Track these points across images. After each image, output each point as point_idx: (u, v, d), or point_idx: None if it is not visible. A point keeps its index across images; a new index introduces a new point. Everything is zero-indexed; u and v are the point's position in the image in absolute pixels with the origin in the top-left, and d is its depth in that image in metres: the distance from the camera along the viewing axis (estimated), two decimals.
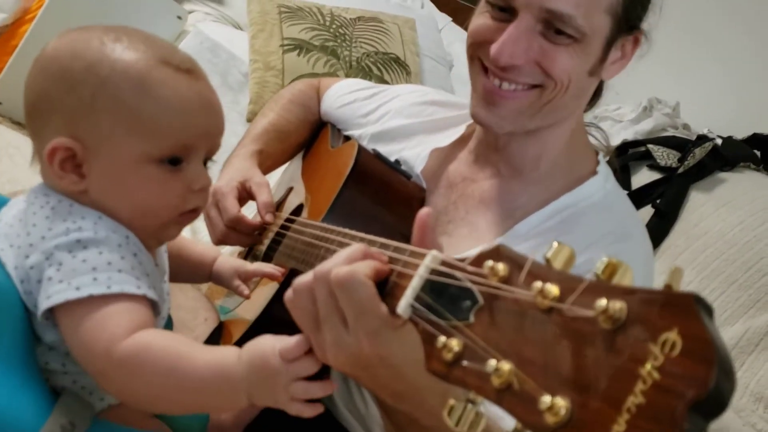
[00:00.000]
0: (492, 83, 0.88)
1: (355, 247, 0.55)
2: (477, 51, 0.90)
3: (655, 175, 2.16)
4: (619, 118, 2.48)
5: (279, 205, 1.24)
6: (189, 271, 0.93)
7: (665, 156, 2.20)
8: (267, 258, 1.04)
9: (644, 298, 0.34)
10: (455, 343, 0.42)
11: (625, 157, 2.25)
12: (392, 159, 1.08)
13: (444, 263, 0.48)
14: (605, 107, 2.53)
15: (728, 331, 1.87)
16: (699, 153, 2.11)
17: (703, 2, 2.65)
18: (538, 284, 0.38)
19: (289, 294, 0.56)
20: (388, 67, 2.40)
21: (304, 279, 0.56)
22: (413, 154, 1.08)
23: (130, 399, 0.64)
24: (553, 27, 0.83)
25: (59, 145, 0.66)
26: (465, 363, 0.40)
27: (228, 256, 0.98)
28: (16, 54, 2.16)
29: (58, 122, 0.67)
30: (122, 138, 0.67)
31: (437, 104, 1.15)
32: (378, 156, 1.05)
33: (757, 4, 2.51)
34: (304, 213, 1.08)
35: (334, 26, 2.41)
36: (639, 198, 2.13)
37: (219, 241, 1.08)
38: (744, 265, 1.93)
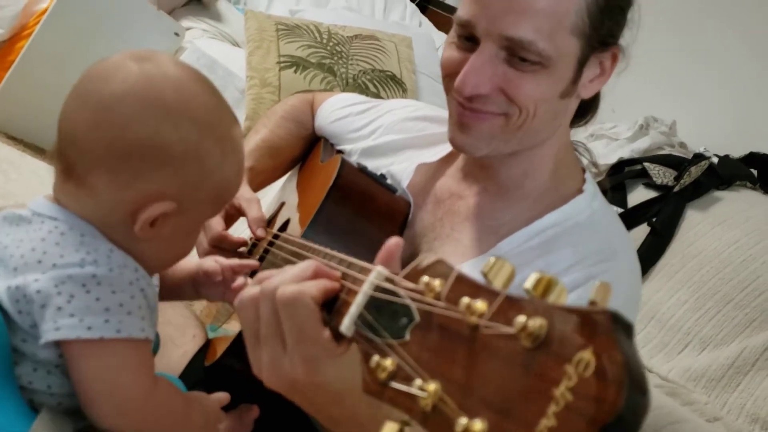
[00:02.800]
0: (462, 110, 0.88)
1: (306, 265, 0.54)
2: (448, 83, 0.90)
3: (651, 194, 2.15)
4: (615, 136, 2.47)
5: (271, 221, 1.23)
6: (176, 286, 0.93)
7: (661, 174, 2.18)
8: (254, 275, 1.04)
9: (565, 315, 0.33)
10: (389, 363, 0.41)
11: (621, 175, 2.24)
12: (379, 173, 1.07)
13: (388, 279, 0.47)
14: (601, 125, 2.52)
15: (724, 351, 1.84)
16: (695, 171, 2.10)
17: (701, 21, 2.65)
18: (465, 300, 0.37)
19: (236, 302, 0.55)
20: (384, 84, 2.41)
21: (250, 291, 0.55)
22: (401, 169, 1.07)
23: None
24: (517, 54, 0.81)
25: (168, 210, 0.67)
26: (395, 383, 0.39)
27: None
28: (12, 70, 2.18)
29: (165, 179, 0.66)
30: (208, 206, 0.72)
31: (428, 120, 1.14)
32: (363, 170, 1.04)
33: (757, 24, 2.50)
34: (290, 228, 1.08)
35: (331, 44, 2.42)
36: (635, 216, 2.12)
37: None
38: (740, 285, 1.91)
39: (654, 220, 2.06)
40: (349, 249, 0.99)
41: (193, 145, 0.67)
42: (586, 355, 0.30)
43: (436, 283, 0.41)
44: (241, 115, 2.25)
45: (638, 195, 2.17)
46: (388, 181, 1.05)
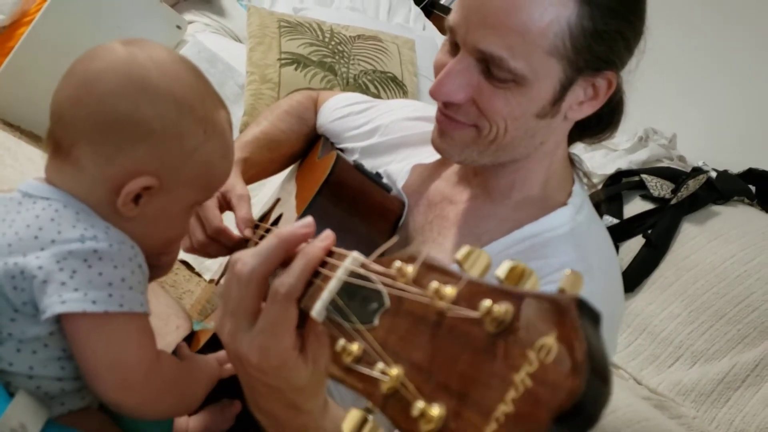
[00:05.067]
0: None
1: (309, 260, 0.53)
2: None
3: (647, 205, 2.14)
4: (614, 147, 2.46)
5: (266, 216, 1.22)
6: None
7: (659, 186, 2.17)
8: None
9: (532, 301, 0.32)
10: (355, 347, 0.40)
11: (619, 186, 2.23)
12: (375, 172, 1.06)
13: (363, 265, 0.46)
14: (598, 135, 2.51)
15: (715, 366, 1.83)
16: (693, 185, 2.09)
17: (707, 34, 2.65)
18: (434, 285, 0.36)
19: (230, 260, 0.55)
20: (385, 85, 2.40)
21: (246, 266, 0.55)
22: (397, 168, 1.07)
23: (146, 409, 0.69)
24: (491, 68, 0.79)
25: (149, 184, 0.67)
26: (360, 367, 0.38)
27: None
28: (12, 56, 2.17)
29: (145, 155, 0.67)
30: (193, 188, 0.71)
31: (428, 120, 1.13)
32: (358, 167, 1.03)
33: (760, 39, 2.50)
34: (281, 222, 1.07)
35: (333, 43, 2.41)
36: (630, 227, 2.11)
37: (192, 250, 1.06)
38: (734, 300, 1.90)
39: (649, 232, 2.05)
40: (338, 245, 0.98)
41: (172, 123, 0.67)
42: (549, 341, 0.29)
43: (409, 269, 0.40)
44: (239, 110, 2.24)
45: (635, 206, 2.17)
46: (384, 180, 1.04)
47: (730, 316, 1.90)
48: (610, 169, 2.33)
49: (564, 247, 0.86)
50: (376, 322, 0.40)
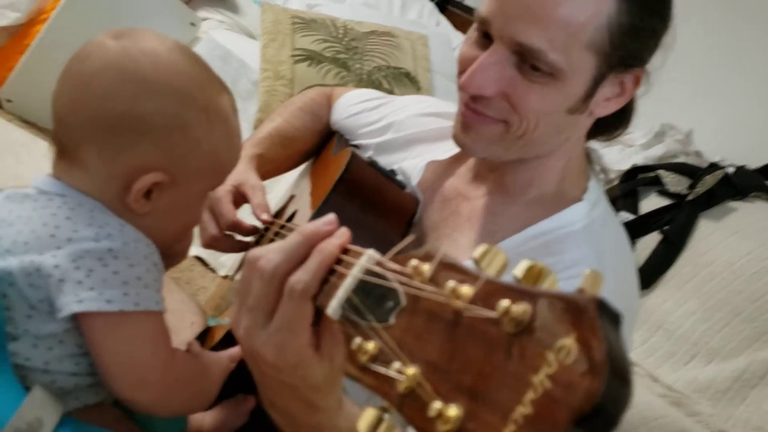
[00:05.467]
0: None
1: (325, 257, 0.53)
2: (460, 78, 0.88)
3: (664, 201, 2.12)
4: (629, 143, 2.44)
5: (280, 212, 1.23)
6: None
7: (675, 182, 2.15)
8: None
9: (551, 301, 0.31)
10: (371, 346, 0.40)
11: (634, 182, 2.22)
12: (390, 169, 1.06)
13: (379, 263, 0.45)
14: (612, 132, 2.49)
15: (731, 363, 1.81)
16: (710, 180, 2.06)
17: (721, 30, 2.62)
18: (451, 284, 0.36)
19: (247, 257, 0.55)
20: (398, 81, 2.40)
21: (267, 261, 0.54)
22: (412, 165, 1.06)
23: (161, 406, 0.69)
24: (527, 61, 0.78)
25: (158, 180, 0.67)
26: (376, 366, 0.38)
27: None
28: (28, 53, 2.19)
29: (151, 150, 0.67)
30: (204, 177, 0.71)
31: (442, 116, 1.13)
32: (372, 164, 1.03)
33: None
34: (296, 219, 1.07)
35: (346, 39, 2.41)
36: (646, 224, 2.09)
37: (209, 245, 1.07)
38: (750, 297, 1.88)
39: (666, 228, 2.03)
40: (353, 243, 0.98)
41: (173, 115, 0.66)
42: (568, 342, 0.29)
43: (425, 267, 0.40)
44: (253, 106, 2.25)
45: (651, 202, 2.15)
46: (399, 177, 1.04)
47: (747, 313, 1.88)
48: (626, 165, 2.31)
49: (578, 243, 0.85)
50: (393, 320, 0.40)
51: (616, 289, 0.85)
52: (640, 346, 1.89)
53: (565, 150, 0.90)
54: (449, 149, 1.03)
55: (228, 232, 1.04)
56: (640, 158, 2.35)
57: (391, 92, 2.34)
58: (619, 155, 2.43)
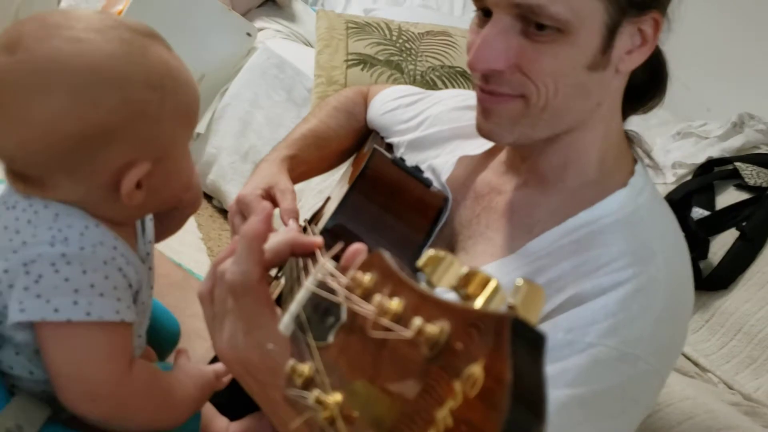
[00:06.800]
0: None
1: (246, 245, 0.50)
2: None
3: (742, 195, 1.97)
4: (704, 135, 2.29)
5: (316, 215, 1.20)
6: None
7: (755, 175, 2.00)
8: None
9: (469, 318, 0.26)
10: (306, 369, 0.35)
11: (710, 176, 2.08)
12: (424, 166, 1.01)
13: (330, 274, 0.41)
14: (689, 123, 2.35)
15: None
16: None
17: None
18: (377, 298, 0.31)
19: (197, 294, 0.52)
20: (453, 80, 2.34)
21: (206, 282, 0.52)
22: (443, 161, 1.01)
23: (116, 421, 0.66)
24: (532, 22, 0.73)
25: (142, 170, 0.64)
26: (303, 392, 0.34)
27: None
28: None
29: (120, 149, 0.63)
30: (180, 136, 0.68)
31: None
32: (395, 161, 0.99)
33: None
34: (319, 223, 1.04)
35: (400, 41, 2.37)
36: (723, 220, 1.95)
37: None
38: None
39: (744, 224, 1.89)
40: (372, 244, 0.94)
41: (123, 109, 0.62)
42: (477, 370, 0.24)
43: (366, 278, 0.35)
44: (307, 113, 2.24)
45: (728, 197, 2.00)
46: (425, 174, 0.99)
47: None
48: (701, 158, 2.17)
49: (623, 233, 0.79)
50: (331, 339, 0.36)
51: (669, 278, 0.78)
52: (717, 351, 1.75)
53: (600, 121, 0.83)
54: (482, 144, 0.98)
55: None
56: (716, 150, 2.20)
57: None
58: (693, 148, 2.29)
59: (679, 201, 1.98)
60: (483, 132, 0.85)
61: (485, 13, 0.78)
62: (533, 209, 0.87)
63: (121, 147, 0.63)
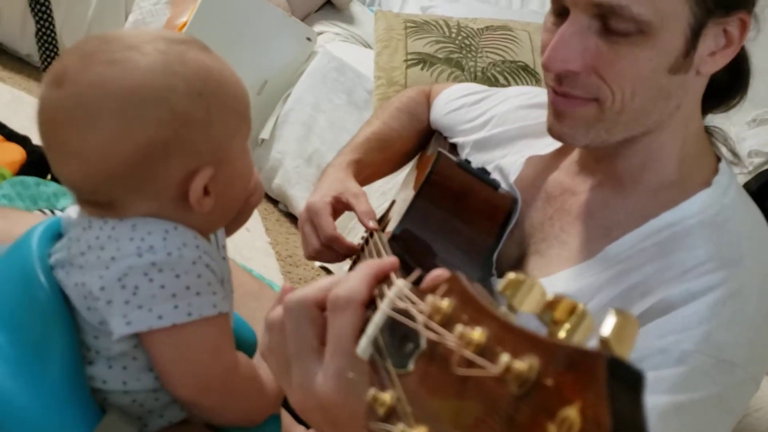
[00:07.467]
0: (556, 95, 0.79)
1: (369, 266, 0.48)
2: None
3: None
4: None
5: (382, 219, 1.20)
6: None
7: None
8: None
9: (561, 354, 0.25)
10: (388, 397, 0.35)
11: None
12: (491, 167, 1.00)
13: (407, 297, 0.40)
14: (765, 109, 2.24)
15: None
16: None
17: None
18: (459, 328, 0.30)
19: (265, 326, 0.51)
20: (515, 75, 2.30)
21: (275, 313, 0.50)
22: (510, 162, 1.00)
23: (225, 414, 0.69)
24: (611, 23, 0.71)
25: (207, 176, 0.65)
26: (387, 425, 0.33)
27: None
28: None
29: (181, 160, 0.64)
30: (235, 135, 0.68)
31: (545, 107, 1.06)
32: (461, 164, 0.98)
33: None
34: (388, 229, 1.04)
35: (460, 37, 2.35)
36: None
37: (311, 257, 1.07)
38: None
39: None
40: (441, 250, 0.94)
41: (172, 120, 0.62)
42: (572, 413, 0.23)
43: (445, 303, 0.34)
44: (368, 115, 2.24)
45: None
46: (492, 176, 0.97)
47: None
48: None
49: (710, 234, 0.76)
50: (411, 367, 0.35)
51: (760, 284, 0.74)
52: None
53: (679, 122, 0.80)
54: (551, 143, 0.96)
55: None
56: None
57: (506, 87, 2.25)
58: None
59: (757, 191, 1.90)
60: (555, 134, 0.83)
61: (562, 12, 0.76)
62: (610, 211, 0.84)
63: (180, 158, 0.64)
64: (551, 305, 0.29)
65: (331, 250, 1.03)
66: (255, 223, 2.20)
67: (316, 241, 1.03)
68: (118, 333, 0.63)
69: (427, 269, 0.91)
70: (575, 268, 0.82)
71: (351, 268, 1.16)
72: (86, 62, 0.63)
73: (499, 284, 0.32)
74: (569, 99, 0.77)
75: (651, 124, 0.79)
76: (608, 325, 0.26)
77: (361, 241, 1.05)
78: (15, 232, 0.90)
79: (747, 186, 1.92)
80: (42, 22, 1.49)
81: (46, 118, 0.64)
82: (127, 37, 0.65)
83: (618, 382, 0.22)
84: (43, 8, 1.49)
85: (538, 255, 0.89)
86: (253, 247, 2.07)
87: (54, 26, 1.50)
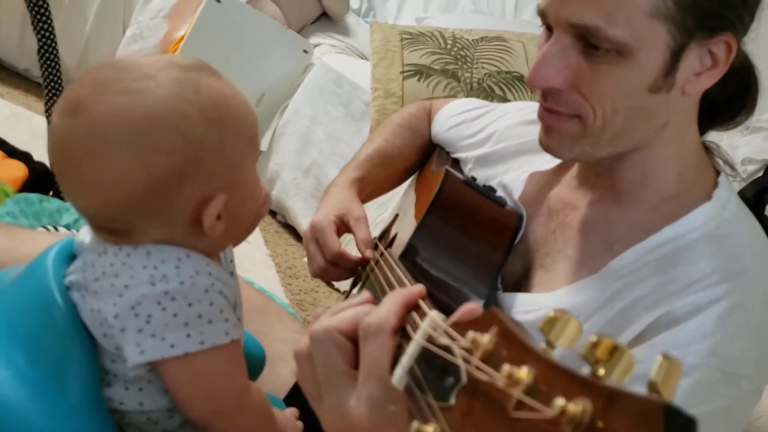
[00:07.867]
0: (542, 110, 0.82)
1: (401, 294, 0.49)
2: None
3: None
4: None
5: (385, 234, 1.21)
6: None
7: None
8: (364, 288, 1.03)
9: (612, 400, 0.26)
10: (431, 430, 0.36)
11: None
12: (494, 183, 1.02)
13: (443, 330, 0.41)
14: (758, 116, 2.27)
15: None
16: None
17: None
18: (506, 367, 0.31)
19: (294, 356, 0.52)
20: (511, 86, 2.32)
21: (302, 344, 0.52)
22: (513, 178, 1.01)
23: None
24: (590, 43, 0.73)
25: (220, 203, 0.66)
26: None
27: None
28: None
29: (195, 186, 0.65)
30: (246, 159, 0.69)
31: None
32: (468, 182, 0.99)
33: None
34: (395, 245, 1.05)
35: (455, 49, 2.37)
36: None
37: (317, 275, 1.08)
38: None
39: None
40: (450, 266, 0.95)
41: (186, 148, 0.63)
42: None
43: (484, 339, 0.36)
44: (366, 127, 2.26)
45: None
46: (498, 194, 0.99)
47: None
48: None
49: (712, 248, 0.77)
50: (452, 400, 0.36)
51: (763, 295, 0.76)
52: None
53: (670, 138, 0.82)
54: (551, 159, 0.98)
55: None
56: None
57: (503, 98, 2.27)
58: (764, 143, 2.21)
59: (752, 199, 1.92)
60: (544, 147, 0.86)
61: (548, 28, 0.78)
62: (611, 226, 0.86)
63: (194, 184, 0.65)
64: (594, 346, 0.30)
65: (337, 267, 1.04)
66: (254, 234, 2.20)
67: (322, 259, 1.04)
68: (132, 362, 0.64)
69: (437, 286, 0.92)
70: (579, 283, 0.84)
71: (353, 284, 1.18)
72: (101, 91, 0.63)
73: (540, 322, 0.33)
74: (554, 114, 0.79)
75: (637, 141, 0.81)
76: (655, 368, 0.27)
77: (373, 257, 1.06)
78: (22, 250, 0.90)
79: (743, 192, 1.94)
80: (44, 39, 1.49)
81: (60, 147, 0.65)
82: (140, 65, 0.66)
83: (674, 428, 0.24)
84: (45, 25, 1.50)
85: (542, 270, 0.90)
86: (254, 259, 2.07)
87: (56, 43, 1.51)
